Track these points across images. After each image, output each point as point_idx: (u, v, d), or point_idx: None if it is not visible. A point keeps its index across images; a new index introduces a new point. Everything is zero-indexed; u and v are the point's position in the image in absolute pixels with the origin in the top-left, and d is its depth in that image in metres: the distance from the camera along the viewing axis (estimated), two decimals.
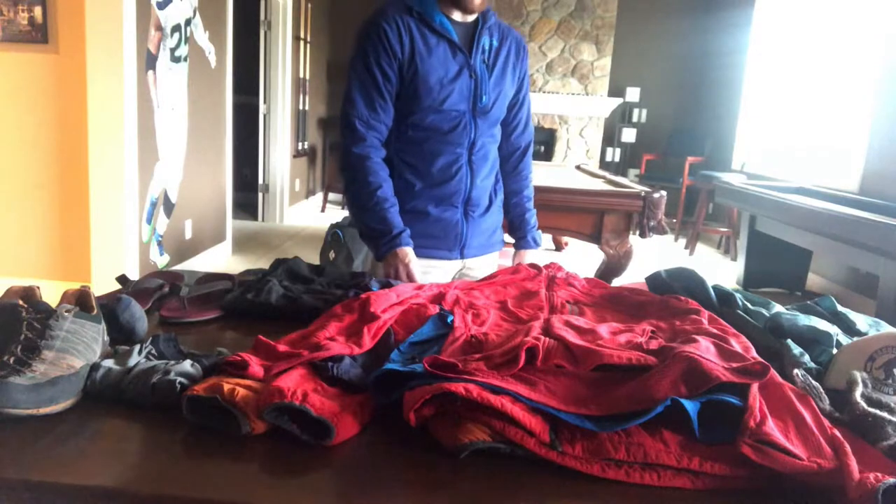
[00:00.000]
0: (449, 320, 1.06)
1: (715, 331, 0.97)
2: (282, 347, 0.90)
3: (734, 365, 0.81)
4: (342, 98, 1.58)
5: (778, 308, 1.21)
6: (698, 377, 0.77)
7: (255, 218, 6.49)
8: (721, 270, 5.51)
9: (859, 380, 0.84)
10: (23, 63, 3.45)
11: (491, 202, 1.72)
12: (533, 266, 1.42)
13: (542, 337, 0.91)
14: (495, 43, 1.62)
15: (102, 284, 3.27)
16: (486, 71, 1.59)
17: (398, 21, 1.51)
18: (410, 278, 1.52)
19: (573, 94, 7.34)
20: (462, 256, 1.69)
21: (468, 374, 0.80)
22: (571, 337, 0.92)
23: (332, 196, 7.54)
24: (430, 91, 1.53)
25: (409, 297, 1.14)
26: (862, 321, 1.17)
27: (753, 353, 0.90)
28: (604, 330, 0.99)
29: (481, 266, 1.75)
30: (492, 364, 0.84)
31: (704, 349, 0.84)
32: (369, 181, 1.54)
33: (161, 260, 3.89)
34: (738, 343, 0.92)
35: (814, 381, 0.87)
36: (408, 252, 1.55)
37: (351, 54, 1.57)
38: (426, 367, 0.81)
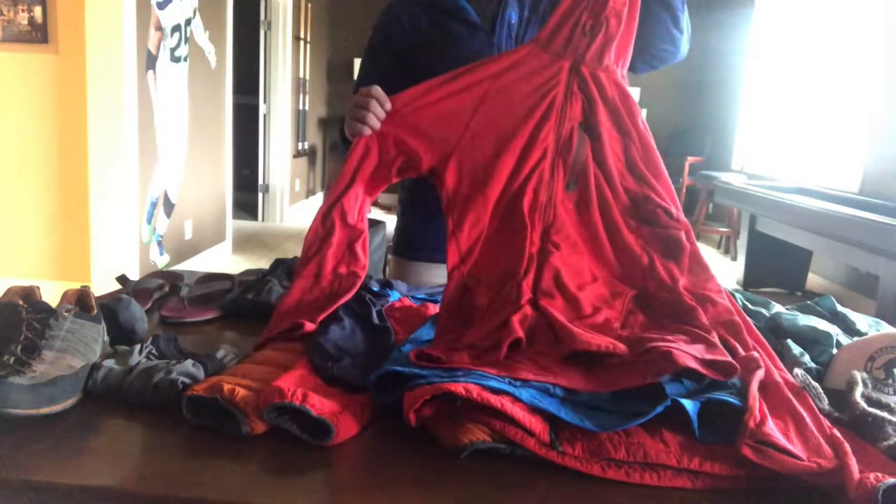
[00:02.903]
0: None
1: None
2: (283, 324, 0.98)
3: (707, 356, 0.81)
4: None
5: (778, 308, 1.21)
6: (665, 365, 0.80)
7: (255, 218, 6.49)
8: (721, 270, 5.51)
9: (859, 380, 0.84)
10: (23, 63, 3.45)
11: None
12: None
13: (528, 308, 0.94)
14: (526, 14, 1.43)
15: (102, 284, 3.27)
16: (512, 47, 1.41)
17: (401, 11, 1.45)
18: (381, 102, 1.14)
19: None
20: None
21: (453, 363, 0.82)
22: (557, 311, 0.95)
23: None
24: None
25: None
26: (862, 321, 1.17)
27: (741, 350, 0.90)
28: (586, 299, 1.00)
29: None
30: (476, 352, 0.86)
31: (681, 340, 0.86)
32: None
33: (161, 260, 3.89)
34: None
35: (814, 381, 0.87)
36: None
37: None
38: (411, 358, 0.82)
